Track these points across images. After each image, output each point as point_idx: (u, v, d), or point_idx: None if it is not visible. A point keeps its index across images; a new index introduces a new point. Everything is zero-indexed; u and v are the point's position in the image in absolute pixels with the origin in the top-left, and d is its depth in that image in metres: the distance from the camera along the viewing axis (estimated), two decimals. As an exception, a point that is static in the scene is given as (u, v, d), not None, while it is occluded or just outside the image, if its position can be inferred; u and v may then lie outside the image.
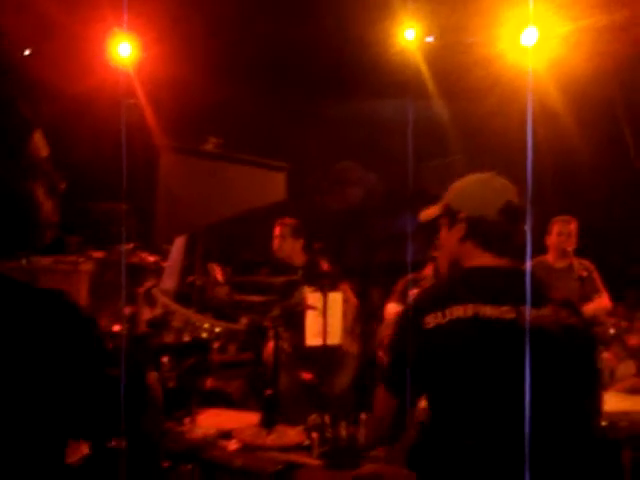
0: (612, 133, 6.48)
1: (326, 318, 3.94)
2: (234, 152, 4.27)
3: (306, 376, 4.85)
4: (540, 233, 5.58)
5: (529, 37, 6.11)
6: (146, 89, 6.49)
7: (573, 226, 5.54)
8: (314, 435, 3.22)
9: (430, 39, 6.61)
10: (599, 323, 5.20)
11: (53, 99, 6.44)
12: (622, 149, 6.49)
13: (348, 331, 5.39)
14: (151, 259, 3.76)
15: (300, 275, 4.83)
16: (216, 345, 3.41)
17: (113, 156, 3.92)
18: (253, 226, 6.60)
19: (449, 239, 2.25)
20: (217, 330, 3.29)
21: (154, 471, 2.81)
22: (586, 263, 5.52)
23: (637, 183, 6.66)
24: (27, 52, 6.26)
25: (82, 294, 3.22)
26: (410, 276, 5.49)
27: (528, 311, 2.00)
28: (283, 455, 3.05)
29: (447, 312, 2.03)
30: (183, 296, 3.70)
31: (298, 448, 3.17)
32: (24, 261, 2.98)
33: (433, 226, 2.37)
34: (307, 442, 3.22)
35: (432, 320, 2.03)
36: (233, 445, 3.14)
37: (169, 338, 3.25)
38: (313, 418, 3.54)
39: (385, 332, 4.85)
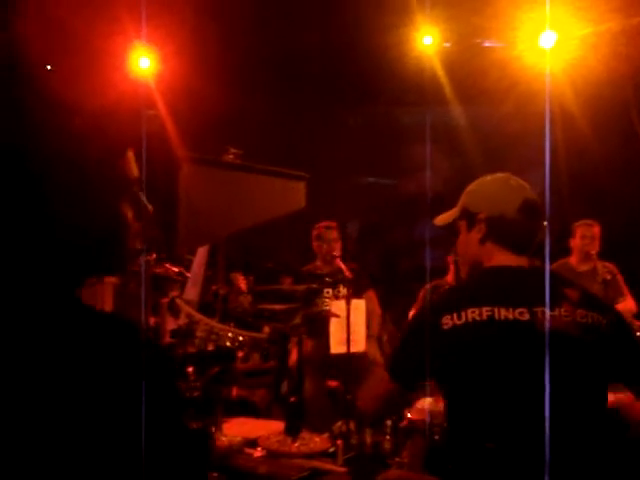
0: (629, 136, 6.46)
1: (350, 326, 3.95)
2: (254, 162, 4.29)
3: (332, 384, 4.86)
4: (558, 235, 5.57)
5: (547, 40, 6.11)
6: (166, 101, 6.54)
7: (596, 229, 5.53)
8: (339, 442, 3.23)
9: (448, 44, 6.63)
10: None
11: (74, 113, 6.50)
12: (638, 152, 6.46)
13: (374, 339, 5.40)
14: (175, 270, 3.78)
15: (328, 281, 4.85)
16: (240, 354, 3.43)
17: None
18: (273, 235, 6.64)
19: (469, 242, 2.26)
20: (240, 339, 3.31)
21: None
22: (610, 266, 5.49)
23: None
24: (49, 67, 6.33)
25: (107, 305, 3.25)
26: (433, 283, 5.50)
27: (548, 313, 2.00)
28: (308, 462, 3.06)
29: (463, 314, 2.03)
30: (206, 306, 3.71)
31: (323, 455, 3.18)
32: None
33: (453, 231, 2.38)
34: (332, 449, 3.23)
35: (449, 321, 2.04)
36: (258, 453, 3.16)
37: (193, 348, 3.26)
38: (339, 425, 3.55)
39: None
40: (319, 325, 4.26)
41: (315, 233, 5.40)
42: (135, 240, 1.28)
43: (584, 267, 5.52)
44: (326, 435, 3.41)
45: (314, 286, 3.86)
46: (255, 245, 6.12)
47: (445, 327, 2.04)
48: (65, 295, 1.18)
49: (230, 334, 3.26)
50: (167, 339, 3.35)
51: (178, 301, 3.40)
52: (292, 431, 3.28)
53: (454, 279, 5.50)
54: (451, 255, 5.45)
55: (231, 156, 4.02)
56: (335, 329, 4.11)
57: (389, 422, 3.26)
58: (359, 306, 4.23)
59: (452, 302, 2.11)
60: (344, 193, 7.83)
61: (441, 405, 3.09)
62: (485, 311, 2.02)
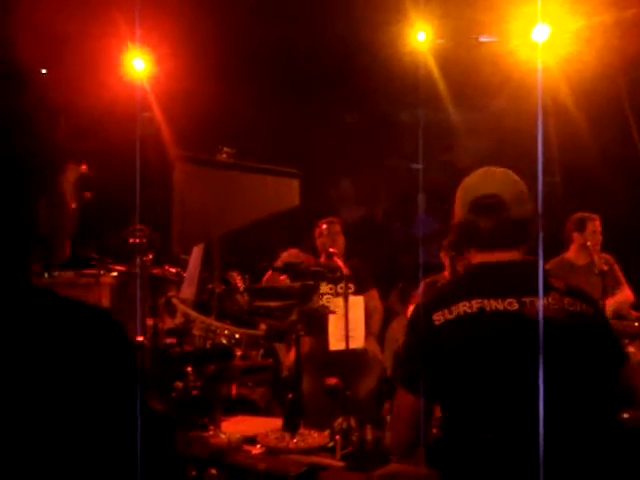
0: (622, 130, 6.47)
1: (348, 322, 3.97)
2: (247, 161, 4.30)
3: (330, 381, 4.87)
4: (555, 229, 5.56)
5: (540, 34, 6.11)
6: (160, 102, 6.56)
7: (599, 222, 5.52)
8: (337, 437, 3.25)
9: (441, 40, 6.64)
10: (623, 317, 5.18)
11: (70, 115, 6.51)
12: (631, 146, 6.48)
13: (374, 336, 5.42)
14: (173, 270, 3.80)
15: (326, 277, 4.86)
16: (239, 352, 3.44)
17: (129, 169, 3.97)
18: (268, 233, 6.65)
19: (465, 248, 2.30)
20: (237, 336, 3.32)
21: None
22: (606, 257, 5.49)
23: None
24: (43, 71, 6.34)
25: (104, 306, 3.26)
26: (430, 278, 5.51)
27: (540, 302, 2.02)
28: (306, 457, 3.08)
29: (454, 308, 2.06)
30: (202, 304, 3.73)
31: (321, 450, 3.19)
32: (46, 275, 3.04)
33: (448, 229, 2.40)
34: (330, 444, 3.24)
35: (440, 317, 2.06)
36: (257, 449, 3.17)
37: (190, 346, 3.28)
38: (339, 422, 3.56)
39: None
40: (318, 322, 4.27)
41: (317, 230, 5.42)
42: (73, 227, 1.31)
43: (582, 261, 5.52)
44: (326, 432, 3.43)
45: (310, 283, 3.87)
46: (250, 243, 6.13)
47: (437, 323, 2.07)
48: (15, 279, 1.20)
49: (226, 332, 3.27)
50: (164, 338, 3.37)
51: (174, 300, 3.42)
52: (290, 427, 3.29)
53: (450, 274, 5.50)
54: (442, 251, 5.46)
55: (225, 155, 4.04)
56: (334, 326, 4.13)
57: (389, 418, 3.27)
58: (358, 302, 4.25)
59: (443, 298, 2.14)
60: (338, 190, 7.86)
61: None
62: (475, 303, 2.05)
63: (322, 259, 5.37)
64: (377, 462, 3.03)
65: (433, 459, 2.27)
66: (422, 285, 5.59)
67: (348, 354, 4.01)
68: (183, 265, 3.87)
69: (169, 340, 3.41)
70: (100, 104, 5.94)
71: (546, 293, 2.06)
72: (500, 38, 6.36)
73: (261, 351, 4.35)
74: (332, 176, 7.83)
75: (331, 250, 5.01)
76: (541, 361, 1.89)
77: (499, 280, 2.12)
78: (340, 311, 3.97)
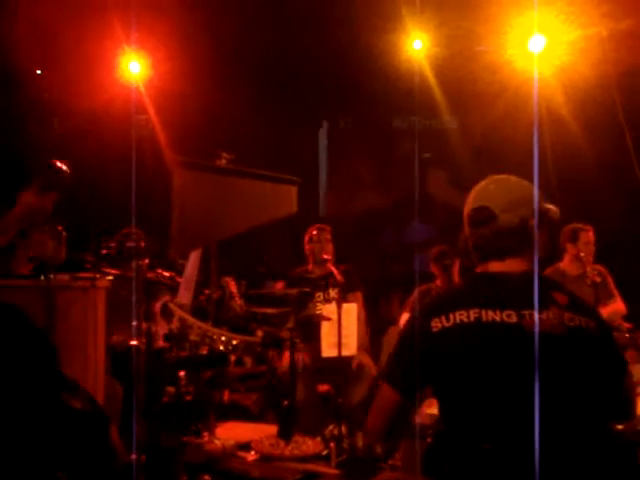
0: (618, 139, 6.49)
1: (341, 329, 3.97)
2: (246, 167, 4.31)
3: (322, 388, 4.87)
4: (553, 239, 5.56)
5: (536, 44, 6.13)
6: (156, 106, 6.55)
7: (592, 233, 5.54)
8: (332, 445, 3.25)
9: (437, 49, 6.65)
10: (615, 328, 5.19)
11: (65, 117, 6.53)
12: (626, 155, 6.51)
13: (362, 342, 5.42)
14: (167, 274, 3.79)
15: (320, 284, 4.87)
16: (233, 358, 3.44)
17: (126, 172, 3.96)
18: (266, 239, 6.65)
19: None
20: (234, 343, 3.32)
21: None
22: (599, 268, 5.51)
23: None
24: (39, 71, 6.34)
25: (100, 310, 3.26)
26: (423, 287, 5.52)
27: (537, 315, 2.02)
28: (301, 465, 3.08)
29: (451, 316, 2.06)
30: (199, 310, 3.72)
31: (316, 458, 3.19)
32: (42, 278, 3.03)
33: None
34: (325, 452, 3.24)
35: (438, 324, 2.06)
36: (251, 456, 3.17)
37: (186, 352, 3.28)
38: (330, 429, 3.57)
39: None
40: (311, 329, 4.28)
41: (307, 236, 5.42)
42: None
43: (575, 271, 5.53)
44: (319, 438, 3.43)
45: (306, 290, 3.88)
46: (247, 249, 6.13)
47: (434, 330, 2.07)
48: None
49: (223, 338, 3.27)
50: (160, 343, 3.36)
51: (171, 305, 3.41)
52: (285, 434, 3.29)
53: (445, 283, 5.52)
54: (432, 262, 5.49)
55: (223, 161, 4.04)
56: (326, 333, 4.13)
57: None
58: (350, 310, 4.25)
59: (441, 305, 2.14)
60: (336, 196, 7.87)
61: (433, 408, 3.11)
62: (473, 313, 2.05)
63: (310, 265, 5.38)
64: (371, 470, 3.04)
65: (429, 468, 2.27)
66: (416, 293, 5.61)
67: (339, 361, 4.02)
68: (179, 270, 3.86)
69: (165, 345, 3.40)
70: (96, 106, 5.93)
71: (546, 307, 2.06)
72: (496, 48, 6.37)
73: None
74: (327, 183, 7.84)
75: (324, 257, 5.03)
76: (537, 375, 1.90)
77: (498, 291, 2.13)
78: (333, 318, 3.98)
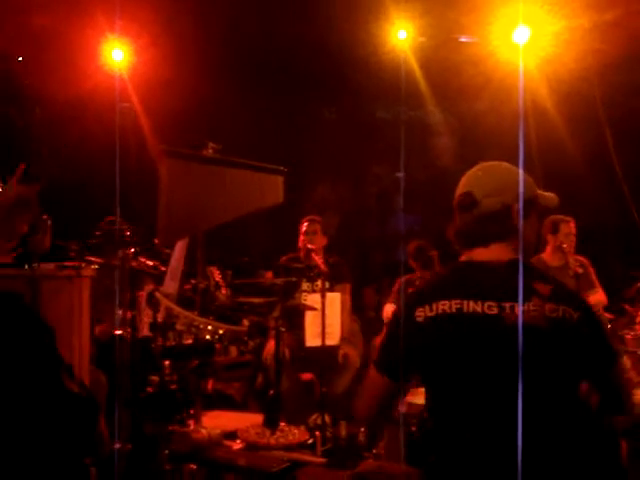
0: (599, 131, 6.53)
1: (325, 319, 3.98)
2: (232, 156, 4.30)
3: (305, 377, 4.89)
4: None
5: (521, 35, 6.14)
6: (140, 93, 6.52)
7: (573, 225, 5.57)
8: (317, 434, 3.26)
9: (422, 39, 6.65)
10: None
11: (47, 104, 6.48)
12: (607, 149, 6.55)
13: (346, 333, 5.44)
14: (150, 263, 3.78)
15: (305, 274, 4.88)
16: (218, 347, 3.44)
17: (111, 161, 3.95)
18: (252, 229, 6.65)
19: None
20: (220, 332, 3.32)
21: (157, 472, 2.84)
22: (581, 259, 5.54)
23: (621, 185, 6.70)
24: (20, 58, 6.28)
25: (85, 299, 3.24)
26: (407, 277, 5.54)
27: (520, 307, 2.03)
28: (287, 454, 3.08)
29: (434, 306, 2.07)
30: (185, 299, 3.72)
31: (301, 447, 3.20)
32: (27, 268, 3.01)
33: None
34: (310, 441, 3.25)
35: (422, 313, 2.08)
36: (237, 445, 3.17)
37: (172, 341, 3.27)
38: (314, 418, 3.58)
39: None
40: (296, 318, 4.28)
41: (301, 227, 5.44)
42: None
43: (557, 262, 5.56)
44: (304, 427, 3.44)
45: (293, 279, 3.88)
46: (234, 239, 6.12)
47: (418, 319, 2.08)
48: None
49: (210, 327, 3.27)
50: (146, 332, 3.35)
51: (157, 294, 3.41)
52: (271, 423, 3.30)
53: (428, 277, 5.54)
54: (416, 258, 5.54)
55: (210, 150, 4.04)
56: (310, 322, 4.14)
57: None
58: (334, 299, 4.26)
59: (425, 295, 2.15)
60: (322, 187, 7.85)
61: (417, 398, 3.13)
62: (454, 304, 2.06)
63: (301, 254, 5.41)
64: (356, 459, 3.05)
65: (413, 457, 2.29)
66: (397, 283, 5.63)
67: (322, 350, 4.03)
68: (165, 259, 3.85)
69: (150, 334, 3.40)
70: (79, 94, 5.89)
71: (528, 298, 2.06)
72: (481, 39, 6.38)
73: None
74: (313, 173, 7.82)
75: (309, 246, 5.04)
76: (520, 367, 1.91)
77: (480, 281, 2.13)
78: (318, 307, 3.99)
